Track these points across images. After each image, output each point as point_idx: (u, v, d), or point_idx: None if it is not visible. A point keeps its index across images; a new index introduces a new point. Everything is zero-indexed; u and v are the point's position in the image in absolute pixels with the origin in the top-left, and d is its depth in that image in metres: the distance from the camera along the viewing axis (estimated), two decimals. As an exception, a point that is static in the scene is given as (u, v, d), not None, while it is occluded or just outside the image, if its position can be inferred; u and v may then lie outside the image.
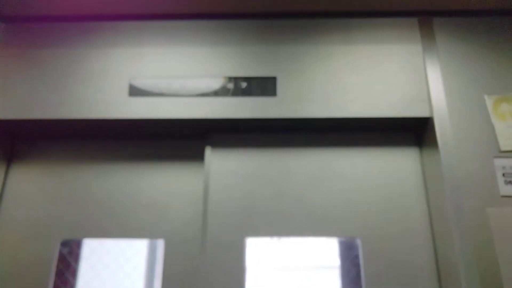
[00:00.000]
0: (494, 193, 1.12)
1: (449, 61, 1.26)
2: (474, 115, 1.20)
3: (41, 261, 1.26)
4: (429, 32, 1.30)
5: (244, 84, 1.26)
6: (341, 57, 1.29)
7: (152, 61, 1.30)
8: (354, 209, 1.25)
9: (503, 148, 1.16)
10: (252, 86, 1.26)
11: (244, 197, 1.26)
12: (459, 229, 1.07)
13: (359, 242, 1.22)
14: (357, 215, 1.24)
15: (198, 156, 1.37)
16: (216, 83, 1.27)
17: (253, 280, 1.31)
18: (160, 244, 1.36)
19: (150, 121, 1.25)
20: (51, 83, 1.28)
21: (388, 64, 1.27)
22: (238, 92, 1.26)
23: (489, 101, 1.21)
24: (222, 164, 1.30)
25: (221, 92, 1.26)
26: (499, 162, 1.14)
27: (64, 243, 1.34)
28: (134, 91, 1.26)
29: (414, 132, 1.33)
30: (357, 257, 1.27)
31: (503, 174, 1.13)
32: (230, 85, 1.26)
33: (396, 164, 1.29)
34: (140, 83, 1.27)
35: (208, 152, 1.31)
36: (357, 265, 1.28)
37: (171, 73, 1.29)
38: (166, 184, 1.34)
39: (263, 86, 1.26)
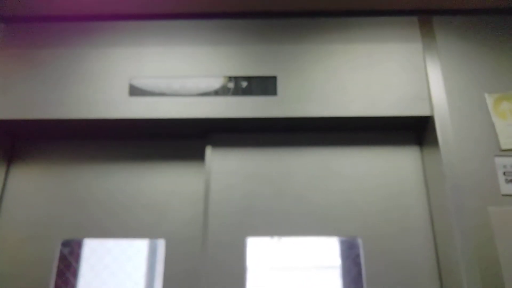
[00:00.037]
0: (495, 192, 1.12)
1: (450, 59, 1.26)
2: (475, 114, 1.19)
3: (42, 261, 1.25)
4: (429, 31, 1.30)
5: (244, 84, 1.26)
6: (341, 56, 1.29)
7: (152, 60, 1.30)
8: (354, 208, 1.25)
9: (503, 146, 1.16)
10: (253, 86, 1.26)
11: (244, 197, 1.26)
12: (460, 228, 1.07)
13: (360, 241, 1.22)
14: (357, 214, 1.24)
15: (198, 156, 1.37)
16: (216, 83, 1.27)
17: (254, 280, 1.31)
18: (161, 244, 1.36)
19: (151, 121, 1.25)
20: (51, 83, 1.28)
21: (388, 63, 1.27)
22: (238, 91, 1.25)
23: (489, 100, 1.21)
24: (222, 164, 1.30)
25: (221, 91, 1.26)
26: (500, 161, 1.14)
27: (65, 243, 1.34)
28: (134, 91, 1.26)
29: (414, 131, 1.33)
30: (358, 256, 1.27)
31: (504, 173, 1.13)
32: (231, 85, 1.26)
33: (396, 163, 1.29)
34: (140, 82, 1.27)
35: (209, 151, 1.31)
36: (358, 265, 1.28)
37: (171, 73, 1.28)
38: (166, 184, 1.33)
39: (263, 85, 1.26)
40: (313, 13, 1.36)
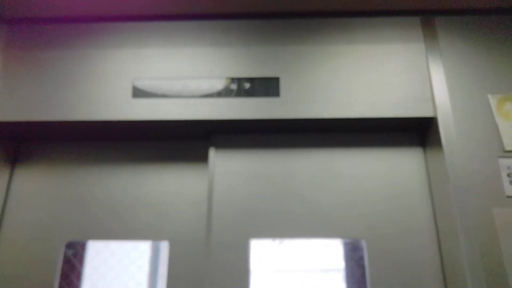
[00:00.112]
0: (499, 193, 1.11)
1: (452, 60, 1.26)
2: (478, 115, 1.19)
3: (46, 263, 1.26)
4: (432, 31, 1.30)
5: (247, 85, 1.27)
6: (344, 57, 1.29)
7: (155, 62, 1.31)
8: (358, 210, 1.24)
9: (507, 147, 1.15)
10: (255, 87, 1.26)
11: (248, 198, 1.26)
12: (464, 230, 1.06)
13: (363, 243, 1.21)
14: (361, 216, 1.24)
15: (201, 157, 1.37)
16: (219, 84, 1.27)
17: (257, 282, 1.31)
18: (164, 245, 1.36)
19: (154, 122, 1.26)
20: (55, 85, 1.28)
21: (391, 63, 1.27)
22: (241, 92, 1.26)
23: (493, 101, 1.20)
24: (225, 165, 1.30)
25: (224, 93, 1.26)
26: (504, 162, 1.13)
27: (69, 245, 1.34)
28: (137, 93, 1.27)
29: (418, 132, 1.32)
30: (361, 258, 1.27)
31: (508, 174, 1.12)
32: (233, 86, 1.27)
33: (400, 164, 1.29)
34: (143, 84, 1.28)
35: (212, 153, 1.31)
36: (362, 267, 1.28)
37: (174, 74, 1.29)
38: (170, 185, 1.34)
39: (266, 86, 1.26)
40: (316, 14, 1.36)
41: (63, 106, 1.26)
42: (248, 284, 1.17)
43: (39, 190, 1.35)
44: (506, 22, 1.30)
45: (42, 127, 1.30)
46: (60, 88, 1.28)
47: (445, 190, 1.14)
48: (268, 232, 1.23)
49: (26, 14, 1.37)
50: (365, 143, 1.32)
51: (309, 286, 1.33)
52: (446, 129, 1.17)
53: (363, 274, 1.27)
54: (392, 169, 1.28)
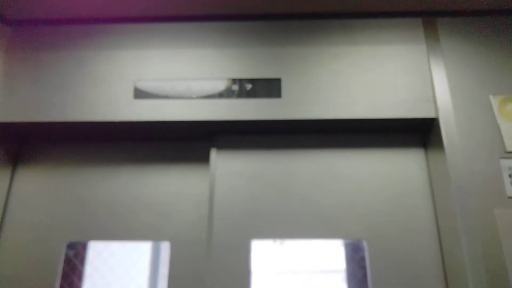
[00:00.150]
0: (501, 194, 1.11)
1: (454, 61, 1.26)
2: (480, 116, 1.19)
3: (47, 264, 1.26)
4: (433, 33, 1.30)
5: (248, 86, 1.27)
6: (346, 58, 1.29)
7: (156, 63, 1.31)
8: (359, 210, 1.24)
9: (509, 148, 1.15)
10: (257, 88, 1.26)
11: (249, 199, 1.26)
12: (465, 230, 1.06)
13: (365, 244, 1.21)
14: (362, 216, 1.24)
15: (203, 158, 1.37)
16: (220, 85, 1.27)
17: (258, 283, 1.31)
18: (164, 246, 1.36)
19: (155, 123, 1.26)
20: (56, 86, 1.29)
21: (392, 64, 1.27)
22: (242, 94, 1.26)
23: (494, 101, 1.20)
24: (227, 166, 1.30)
25: (226, 94, 1.26)
26: (505, 163, 1.13)
27: (70, 246, 1.34)
28: (139, 94, 1.27)
29: (419, 133, 1.32)
30: (363, 259, 1.27)
31: (510, 175, 1.12)
32: (235, 87, 1.27)
33: (401, 165, 1.29)
34: (145, 85, 1.28)
35: (213, 154, 1.31)
36: (363, 267, 1.28)
37: (175, 75, 1.29)
38: (171, 186, 1.34)
39: (267, 87, 1.26)
40: (317, 15, 1.37)
41: (65, 107, 1.26)
42: (249, 285, 1.17)
43: (40, 190, 1.35)
44: (508, 23, 1.30)
45: (43, 128, 1.30)
46: (61, 89, 1.28)
47: (447, 190, 1.14)
48: (269, 233, 1.23)
49: (28, 16, 1.37)
50: (366, 144, 1.32)
51: (310, 287, 1.33)
52: (447, 130, 1.17)
53: (364, 275, 1.27)
54: (394, 170, 1.29)
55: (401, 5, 1.31)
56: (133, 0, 1.30)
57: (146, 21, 1.37)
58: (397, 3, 1.31)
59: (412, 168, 1.28)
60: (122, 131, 1.33)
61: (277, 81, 1.27)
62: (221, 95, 1.26)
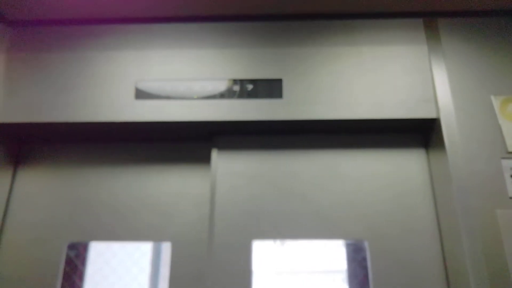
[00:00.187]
0: (502, 194, 1.11)
1: (455, 61, 1.26)
2: (481, 116, 1.19)
3: (49, 264, 1.26)
4: (435, 33, 1.30)
5: (250, 86, 1.27)
6: (347, 59, 1.29)
7: (157, 64, 1.31)
8: (361, 211, 1.24)
9: (510, 148, 1.15)
10: (258, 88, 1.26)
11: (250, 199, 1.26)
12: (467, 231, 1.06)
13: (366, 244, 1.21)
14: (364, 217, 1.24)
15: (204, 159, 1.37)
16: (222, 86, 1.27)
17: (259, 283, 1.31)
18: (165, 246, 1.36)
19: (156, 124, 1.26)
20: (58, 87, 1.29)
21: (394, 65, 1.27)
22: (244, 94, 1.26)
23: (496, 102, 1.20)
24: (228, 166, 1.30)
25: (227, 94, 1.26)
26: (507, 163, 1.13)
27: (71, 246, 1.34)
28: (140, 94, 1.27)
29: (420, 133, 1.32)
30: (364, 259, 1.27)
31: (511, 176, 1.12)
32: (236, 88, 1.27)
33: (403, 165, 1.29)
34: (146, 86, 1.28)
35: (215, 154, 1.31)
36: (364, 268, 1.28)
37: (177, 76, 1.29)
38: (172, 186, 1.34)
39: (269, 88, 1.26)
40: (318, 16, 1.37)
41: (66, 107, 1.26)
42: (250, 285, 1.17)
43: (41, 191, 1.35)
44: (509, 23, 1.30)
45: (45, 129, 1.30)
46: (63, 90, 1.28)
47: (448, 191, 1.14)
48: (270, 233, 1.23)
49: (30, 16, 1.37)
50: (368, 144, 1.32)
51: (311, 287, 1.33)
52: (449, 130, 1.17)
53: (365, 275, 1.27)
54: (395, 170, 1.29)
55: (402, 6, 1.32)
56: (134, 0, 1.30)
57: (147, 21, 1.37)
58: (398, 4, 1.31)
59: (413, 168, 1.28)
60: (123, 132, 1.33)
61: (279, 82, 1.27)
62: (222, 95, 1.26)
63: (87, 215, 1.31)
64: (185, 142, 1.39)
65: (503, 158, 1.14)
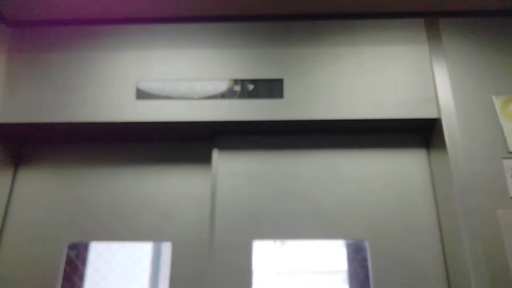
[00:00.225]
0: (503, 194, 1.11)
1: (456, 61, 1.26)
2: (482, 116, 1.19)
3: (49, 264, 1.26)
4: (436, 33, 1.30)
5: (251, 87, 1.27)
6: (348, 59, 1.29)
7: (158, 64, 1.31)
8: (361, 211, 1.24)
9: (511, 148, 1.15)
10: (259, 88, 1.26)
11: (251, 199, 1.26)
12: (468, 231, 1.06)
13: (367, 244, 1.21)
14: (364, 217, 1.24)
15: (205, 159, 1.37)
16: (222, 86, 1.27)
17: (259, 283, 1.31)
18: (165, 246, 1.36)
19: (157, 124, 1.26)
20: (58, 87, 1.29)
21: (395, 65, 1.27)
22: (245, 94, 1.26)
23: (497, 102, 1.20)
24: (229, 166, 1.30)
25: (228, 94, 1.26)
26: (508, 163, 1.13)
27: (72, 246, 1.34)
28: (141, 94, 1.27)
29: (421, 133, 1.32)
30: (364, 259, 1.27)
31: (512, 176, 1.13)
32: (237, 88, 1.27)
33: (404, 166, 1.29)
34: (147, 86, 1.28)
35: (215, 154, 1.31)
36: (365, 268, 1.28)
37: (178, 76, 1.29)
38: (173, 186, 1.34)
39: (270, 88, 1.26)
40: (319, 16, 1.37)
41: (67, 107, 1.26)
42: (250, 286, 1.17)
43: (42, 191, 1.35)
44: (511, 23, 1.30)
45: (45, 129, 1.30)
46: (63, 90, 1.28)
47: (449, 191, 1.14)
48: (271, 233, 1.23)
49: (30, 17, 1.37)
50: (369, 144, 1.32)
51: (311, 288, 1.33)
52: (450, 130, 1.17)
53: (366, 275, 1.27)
54: (396, 170, 1.28)
55: (403, 6, 1.31)
56: (134, 1, 1.30)
57: (148, 22, 1.37)
58: (399, 4, 1.31)
59: (414, 168, 1.28)
60: (124, 132, 1.33)
61: (279, 82, 1.27)
62: (223, 95, 1.26)
63: (88, 215, 1.31)
64: (186, 142, 1.39)
65: (504, 158, 1.14)
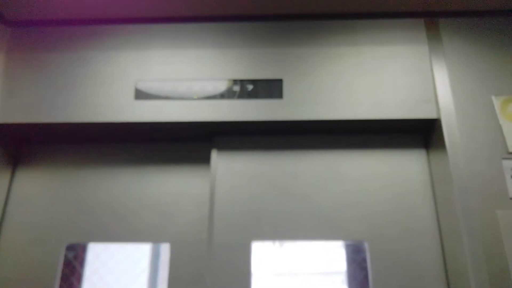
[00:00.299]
0: (503, 195, 1.11)
1: (456, 62, 1.26)
2: (482, 116, 1.19)
3: (47, 265, 1.25)
4: (436, 33, 1.30)
5: (250, 87, 1.26)
6: (348, 59, 1.29)
7: (157, 64, 1.31)
8: (361, 211, 1.24)
9: (511, 149, 1.15)
10: (258, 89, 1.26)
11: (250, 200, 1.26)
12: (467, 231, 1.06)
13: (366, 245, 1.21)
14: (364, 217, 1.24)
15: (204, 159, 1.37)
16: (222, 86, 1.27)
17: (258, 284, 1.30)
18: (164, 247, 1.35)
19: (156, 124, 1.25)
20: (57, 87, 1.28)
21: (394, 65, 1.27)
22: (244, 94, 1.26)
23: (496, 102, 1.20)
24: (228, 167, 1.30)
25: (227, 94, 1.26)
26: (507, 164, 1.13)
27: (70, 247, 1.34)
28: (140, 95, 1.27)
29: (421, 133, 1.32)
30: (364, 260, 1.27)
31: (512, 176, 1.13)
32: (236, 88, 1.26)
33: (403, 166, 1.29)
34: (146, 86, 1.28)
35: (214, 154, 1.31)
36: (364, 269, 1.27)
37: (177, 76, 1.29)
38: (172, 187, 1.33)
39: (269, 88, 1.26)
40: (319, 16, 1.37)
41: (66, 108, 1.25)
42: (249, 286, 1.16)
43: (40, 191, 1.34)
44: (510, 23, 1.30)
45: (44, 129, 1.30)
46: (62, 90, 1.28)
47: (449, 191, 1.14)
48: (270, 234, 1.23)
49: (29, 16, 1.36)
50: (368, 145, 1.32)
51: (310, 289, 1.33)
52: (449, 130, 1.17)
53: (365, 276, 1.27)
54: (395, 171, 1.28)
55: (403, 6, 1.32)
56: (134, 1, 1.30)
57: (147, 22, 1.37)
58: (399, 4, 1.31)
59: (413, 168, 1.28)
60: (123, 132, 1.33)
61: (279, 82, 1.27)
62: (222, 96, 1.26)
63: (86, 216, 1.31)
64: (185, 143, 1.39)
65: (504, 158, 1.14)
